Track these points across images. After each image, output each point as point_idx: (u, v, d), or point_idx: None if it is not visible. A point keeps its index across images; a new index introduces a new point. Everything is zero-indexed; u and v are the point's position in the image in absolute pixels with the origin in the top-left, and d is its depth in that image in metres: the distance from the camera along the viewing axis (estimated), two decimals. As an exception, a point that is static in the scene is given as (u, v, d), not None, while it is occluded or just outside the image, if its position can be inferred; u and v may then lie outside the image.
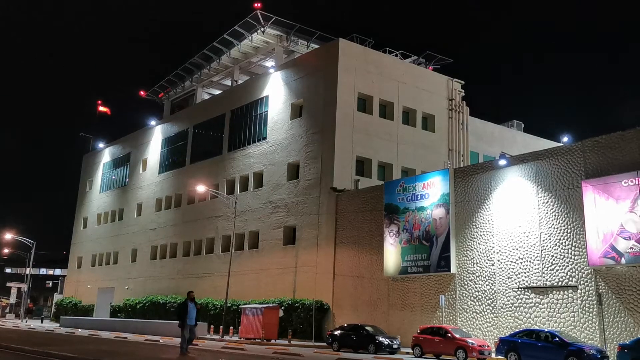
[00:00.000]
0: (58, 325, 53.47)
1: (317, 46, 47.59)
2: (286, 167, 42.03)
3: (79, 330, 44.23)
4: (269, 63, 51.03)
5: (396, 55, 45.95)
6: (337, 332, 29.78)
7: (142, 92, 63.91)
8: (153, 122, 60.16)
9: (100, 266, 62.43)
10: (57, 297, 71.06)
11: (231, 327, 38.01)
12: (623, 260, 23.73)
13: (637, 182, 23.75)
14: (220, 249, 46.21)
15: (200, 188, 43.79)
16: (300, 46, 49.61)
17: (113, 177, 65.18)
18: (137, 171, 60.42)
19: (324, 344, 30.96)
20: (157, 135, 58.63)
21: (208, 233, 48.05)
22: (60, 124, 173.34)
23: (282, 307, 36.17)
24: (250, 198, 44.52)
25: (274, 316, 34.90)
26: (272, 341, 33.76)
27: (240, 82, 53.19)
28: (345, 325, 30.52)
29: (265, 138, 44.84)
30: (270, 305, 35.83)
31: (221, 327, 37.66)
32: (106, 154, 67.71)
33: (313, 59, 43.11)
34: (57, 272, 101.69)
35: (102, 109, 67.87)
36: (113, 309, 54.38)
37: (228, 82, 56.66)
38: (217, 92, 57.63)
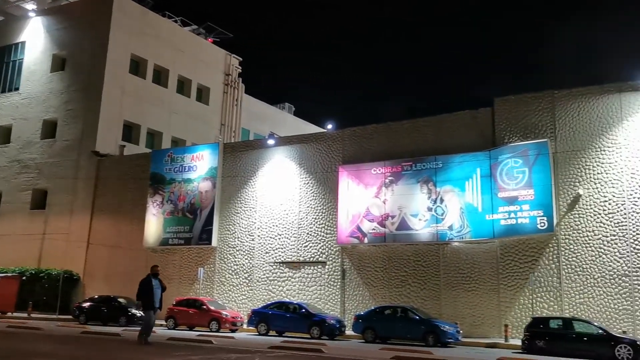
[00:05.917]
0: None
1: (89, -5, 43.50)
2: (41, 124, 37.91)
3: None
4: (30, 6, 45.16)
5: (176, 22, 44.37)
6: (85, 305, 27.94)
7: None
8: None
9: None
10: None
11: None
12: (366, 240, 26.46)
13: (383, 171, 26.59)
14: (-49, 209, 39.88)
15: None
16: (69, -9, 44.89)
17: None
18: None
19: (71, 316, 28.83)
20: None
21: None
22: None
23: (24, 277, 32.75)
24: (-6, 154, 39.20)
25: (11, 287, 31.38)
26: (8, 314, 30.40)
27: (-8, 20, 46.24)
28: (96, 296, 28.82)
29: (17, 89, 39.80)
30: (9, 274, 32.19)
31: (-56, 299, 32.64)
32: None
33: (83, 9, 39.31)
34: None
35: None
36: None
37: (-24, 19, 48.80)
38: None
